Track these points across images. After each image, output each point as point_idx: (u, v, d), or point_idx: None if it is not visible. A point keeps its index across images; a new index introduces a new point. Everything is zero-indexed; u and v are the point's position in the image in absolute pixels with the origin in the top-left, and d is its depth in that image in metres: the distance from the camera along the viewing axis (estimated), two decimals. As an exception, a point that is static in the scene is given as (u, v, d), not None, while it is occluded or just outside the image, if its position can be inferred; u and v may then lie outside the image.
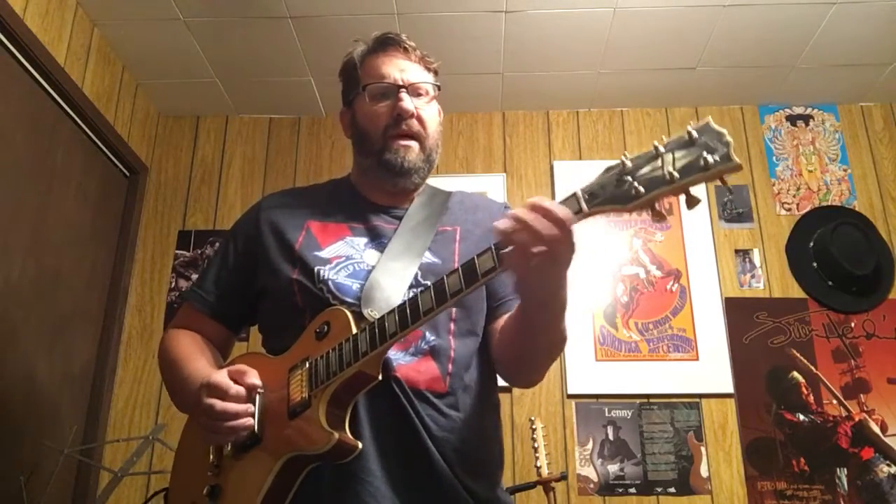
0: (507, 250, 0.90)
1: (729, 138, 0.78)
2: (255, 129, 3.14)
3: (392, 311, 1.01)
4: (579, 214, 0.88)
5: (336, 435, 0.97)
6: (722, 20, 2.58)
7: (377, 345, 1.00)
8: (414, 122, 1.23)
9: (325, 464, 1.01)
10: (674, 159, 0.81)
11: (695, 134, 0.80)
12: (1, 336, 2.11)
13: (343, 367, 1.01)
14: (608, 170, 0.87)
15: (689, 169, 0.80)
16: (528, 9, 2.52)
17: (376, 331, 1.01)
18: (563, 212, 0.87)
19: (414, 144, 1.24)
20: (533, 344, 1.10)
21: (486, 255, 0.94)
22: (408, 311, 0.99)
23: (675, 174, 0.80)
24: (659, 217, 0.84)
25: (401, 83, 1.24)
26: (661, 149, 0.83)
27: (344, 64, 1.33)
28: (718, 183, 0.82)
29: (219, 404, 1.02)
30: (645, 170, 0.83)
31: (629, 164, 0.85)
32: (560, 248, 0.89)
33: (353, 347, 1.01)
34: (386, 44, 1.28)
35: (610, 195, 0.85)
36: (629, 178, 0.84)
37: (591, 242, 2.84)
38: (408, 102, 1.22)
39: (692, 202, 0.81)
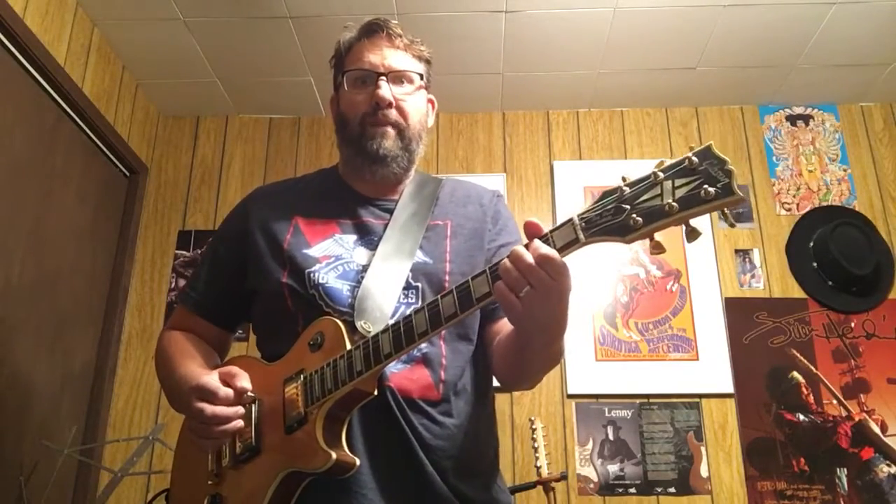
0: (498, 283, 0.89)
1: (731, 167, 0.75)
2: (255, 129, 3.14)
3: (387, 329, 0.99)
4: (576, 244, 0.85)
5: (334, 455, 0.97)
6: (722, 20, 2.58)
7: (372, 365, 0.98)
8: (392, 112, 1.21)
9: (321, 478, 1.00)
10: (673, 188, 0.78)
11: (695, 160, 0.77)
12: (1, 336, 2.11)
13: (338, 385, 1.00)
14: (606, 195, 0.84)
15: (690, 200, 0.76)
16: (528, 9, 2.52)
17: (370, 350, 0.99)
18: (559, 259, 0.85)
19: (391, 131, 1.21)
20: (527, 362, 1.09)
21: (481, 278, 0.92)
22: (402, 332, 0.97)
23: (675, 205, 0.77)
24: (658, 249, 0.81)
25: (380, 70, 1.21)
26: (661, 175, 0.79)
27: (334, 51, 1.32)
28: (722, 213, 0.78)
29: (208, 408, 1.00)
30: (644, 198, 0.80)
31: (627, 190, 0.82)
32: (549, 289, 0.87)
33: (347, 365, 1.00)
34: (371, 30, 1.25)
35: (608, 225, 0.82)
36: (627, 206, 0.81)
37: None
38: (385, 90, 1.20)
39: (693, 235, 0.78)
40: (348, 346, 1.02)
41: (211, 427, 1.01)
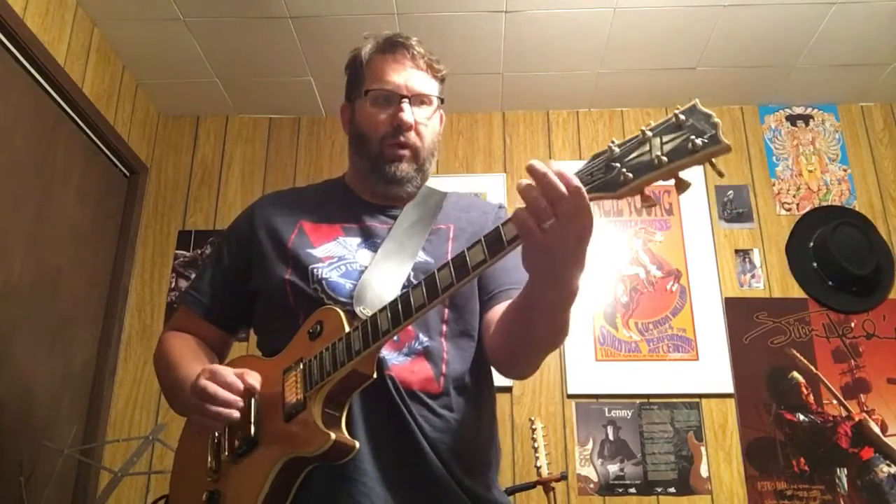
0: (521, 209, 0.86)
1: (717, 119, 0.76)
2: (255, 129, 3.14)
3: (384, 308, 1.00)
4: None
5: (333, 436, 0.97)
6: (722, 20, 2.58)
7: (370, 343, 0.99)
8: (412, 135, 1.22)
9: (322, 465, 1.01)
10: (661, 143, 0.80)
11: (682, 117, 0.79)
12: (1, 336, 2.11)
13: (337, 366, 1.01)
14: (596, 156, 0.86)
15: (678, 152, 0.78)
16: (528, 9, 2.52)
17: (369, 328, 1.00)
18: (576, 178, 0.85)
19: (408, 154, 1.23)
20: (533, 328, 1.05)
21: (477, 247, 0.93)
22: (400, 307, 0.98)
23: (664, 158, 0.79)
24: (648, 202, 0.82)
25: (404, 92, 1.22)
26: (649, 133, 0.81)
27: (350, 59, 1.32)
28: (715, 173, 0.79)
29: (211, 386, 1.03)
30: (633, 155, 0.82)
31: (617, 150, 0.84)
32: (572, 213, 0.84)
33: (346, 346, 1.01)
34: (395, 46, 1.26)
35: (599, 182, 0.84)
36: (617, 164, 0.83)
37: (592, 242, 2.84)
38: (408, 114, 1.21)
39: (682, 187, 0.80)
40: (347, 330, 1.03)
41: (207, 406, 1.03)
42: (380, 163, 1.23)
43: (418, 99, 1.24)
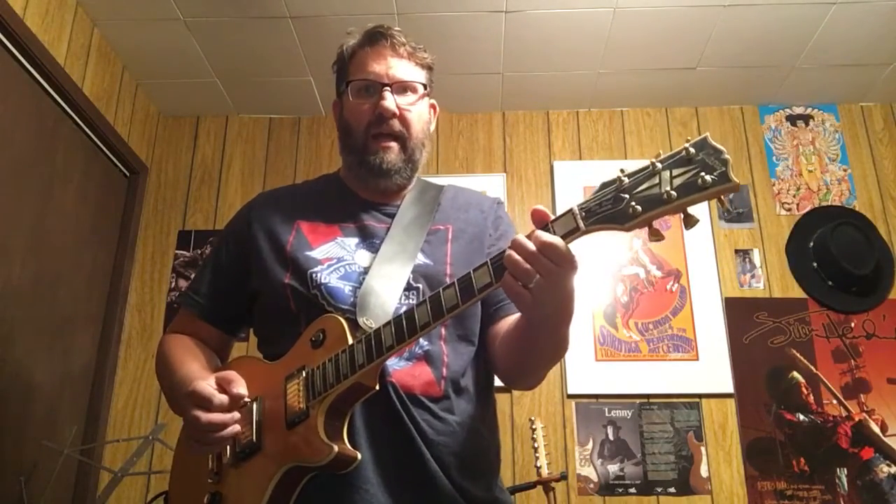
0: (505, 275, 0.90)
1: (727, 156, 0.77)
2: (255, 129, 3.14)
3: (388, 323, 1.00)
4: (576, 233, 0.87)
5: (336, 448, 0.97)
6: (722, 20, 2.58)
7: (374, 357, 0.99)
8: (395, 123, 1.22)
9: (323, 474, 1.01)
10: (671, 177, 0.80)
11: (692, 150, 0.79)
12: (1, 336, 2.11)
13: (340, 378, 1.01)
14: (604, 185, 0.86)
15: (687, 188, 0.78)
16: (528, 9, 2.52)
17: (373, 343, 1.00)
18: (563, 246, 0.87)
19: (394, 145, 1.22)
20: (533, 350, 1.08)
21: (483, 269, 0.93)
22: (404, 324, 0.98)
23: (673, 193, 0.79)
24: (656, 236, 0.83)
25: (384, 80, 1.22)
26: (659, 165, 0.81)
27: (336, 56, 1.32)
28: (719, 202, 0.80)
29: (203, 416, 1.00)
30: (642, 187, 0.82)
31: (626, 180, 0.84)
32: (555, 276, 0.88)
33: (349, 359, 1.01)
34: (375, 38, 1.26)
35: (607, 214, 0.85)
36: (626, 195, 0.83)
37: (592, 242, 2.84)
38: (390, 101, 1.20)
39: (690, 222, 0.80)
40: (350, 342, 1.03)
41: (208, 434, 1.01)
42: (366, 155, 1.22)
43: (401, 86, 1.23)
